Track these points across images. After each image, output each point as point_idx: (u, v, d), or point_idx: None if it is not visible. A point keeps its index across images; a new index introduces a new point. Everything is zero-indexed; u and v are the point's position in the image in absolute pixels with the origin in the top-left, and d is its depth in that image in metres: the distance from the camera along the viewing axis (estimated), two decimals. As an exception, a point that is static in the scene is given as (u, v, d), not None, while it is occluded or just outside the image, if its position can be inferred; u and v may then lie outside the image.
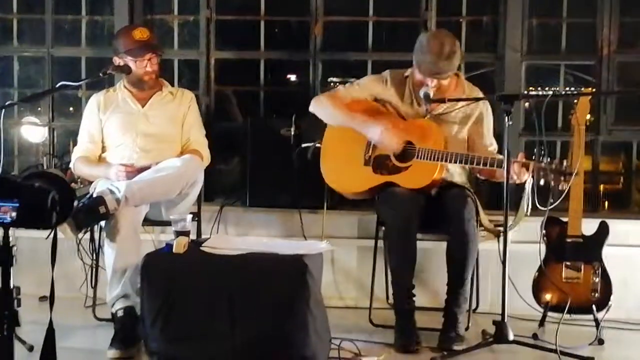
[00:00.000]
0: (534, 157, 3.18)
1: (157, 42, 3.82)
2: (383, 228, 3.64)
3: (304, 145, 3.95)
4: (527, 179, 3.16)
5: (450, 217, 3.35)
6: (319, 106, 3.66)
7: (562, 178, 3.10)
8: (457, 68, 3.55)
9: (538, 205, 3.19)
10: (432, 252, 3.84)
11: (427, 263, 3.82)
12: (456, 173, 3.59)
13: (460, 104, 3.53)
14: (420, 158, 3.41)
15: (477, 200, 3.44)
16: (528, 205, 3.21)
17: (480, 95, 3.64)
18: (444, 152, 3.37)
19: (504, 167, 3.13)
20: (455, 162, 3.37)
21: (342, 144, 3.61)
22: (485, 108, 3.61)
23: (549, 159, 3.12)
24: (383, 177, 3.51)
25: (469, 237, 3.31)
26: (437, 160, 3.37)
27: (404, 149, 3.47)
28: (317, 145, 3.77)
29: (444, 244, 3.46)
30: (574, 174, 3.16)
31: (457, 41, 3.46)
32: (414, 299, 3.41)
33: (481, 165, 3.31)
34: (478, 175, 3.64)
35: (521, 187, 3.22)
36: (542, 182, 3.14)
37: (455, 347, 3.26)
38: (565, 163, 3.12)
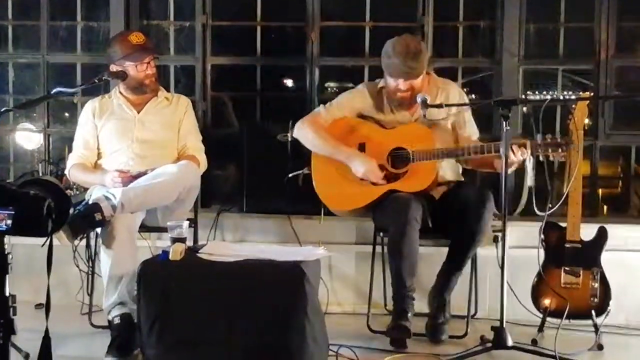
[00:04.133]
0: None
1: (153, 45, 3.81)
2: (381, 234, 3.64)
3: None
4: (527, 157, 3.18)
5: (469, 211, 3.33)
6: (302, 135, 3.67)
7: (560, 150, 3.15)
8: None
9: (536, 210, 3.20)
10: (431, 257, 3.82)
11: (426, 268, 3.80)
12: (448, 169, 3.59)
13: (440, 99, 3.52)
14: (417, 160, 3.41)
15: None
16: (532, 183, 3.23)
17: (456, 87, 3.69)
18: (440, 150, 3.38)
19: (502, 160, 3.12)
20: (452, 156, 3.39)
21: (334, 166, 3.59)
22: (460, 98, 3.62)
23: (542, 135, 3.15)
24: (384, 187, 3.49)
25: (481, 234, 3.33)
26: (434, 158, 3.38)
27: (393, 157, 3.48)
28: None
29: (443, 249, 3.46)
30: (572, 144, 3.20)
31: (421, 41, 3.61)
32: (413, 302, 3.41)
33: (479, 153, 3.32)
34: (464, 166, 3.64)
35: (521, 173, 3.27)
36: (541, 158, 3.19)
37: (445, 336, 3.45)
38: (560, 135, 3.18)
